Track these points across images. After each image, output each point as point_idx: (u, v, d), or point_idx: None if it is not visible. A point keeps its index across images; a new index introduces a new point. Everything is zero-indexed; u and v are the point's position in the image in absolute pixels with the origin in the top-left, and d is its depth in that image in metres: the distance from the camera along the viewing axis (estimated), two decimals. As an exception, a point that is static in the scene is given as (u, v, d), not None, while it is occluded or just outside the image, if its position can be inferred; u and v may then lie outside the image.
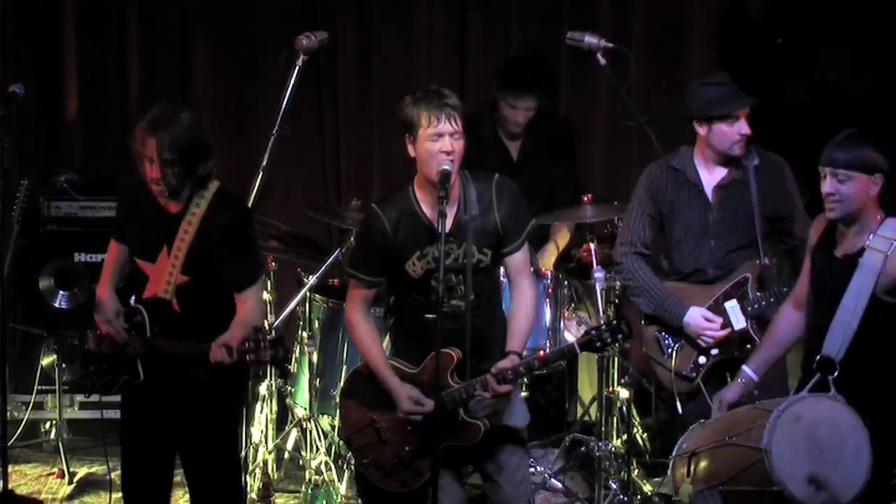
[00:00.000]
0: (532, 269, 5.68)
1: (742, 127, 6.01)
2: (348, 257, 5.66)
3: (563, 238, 7.42)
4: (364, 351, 5.57)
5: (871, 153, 5.28)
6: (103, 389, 5.64)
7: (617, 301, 6.73)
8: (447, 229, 5.36)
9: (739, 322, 6.02)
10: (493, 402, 5.45)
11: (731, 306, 6.04)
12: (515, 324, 5.48)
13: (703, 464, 5.30)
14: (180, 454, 5.66)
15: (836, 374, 5.26)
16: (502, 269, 5.66)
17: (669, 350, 6.10)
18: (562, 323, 6.98)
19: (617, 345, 5.82)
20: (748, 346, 5.98)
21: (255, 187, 6.54)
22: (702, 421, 5.49)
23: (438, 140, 5.29)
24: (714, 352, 6.05)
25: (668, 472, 5.46)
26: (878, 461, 5.17)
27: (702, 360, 6.05)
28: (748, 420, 5.28)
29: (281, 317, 6.96)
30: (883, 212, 5.33)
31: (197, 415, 5.57)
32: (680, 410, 6.07)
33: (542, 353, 5.53)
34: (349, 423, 5.63)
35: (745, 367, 5.57)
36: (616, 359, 6.94)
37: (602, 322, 5.41)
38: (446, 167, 5.28)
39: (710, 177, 6.14)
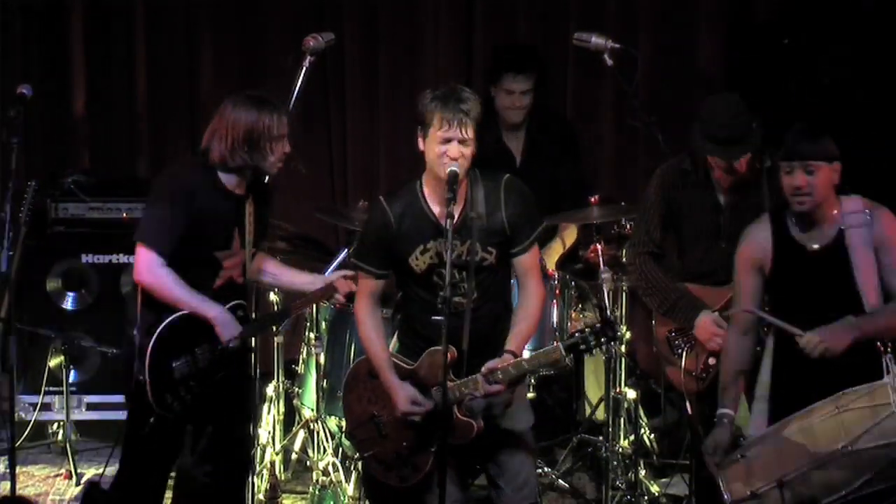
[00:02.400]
0: (540, 269, 5.67)
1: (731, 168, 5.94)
2: (354, 249, 5.73)
3: (569, 235, 7.39)
4: (367, 346, 5.59)
5: (830, 142, 5.35)
6: (196, 400, 5.59)
7: (603, 306, 6.69)
8: (452, 226, 5.36)
9: None
10: (488, 402, 5.45)
11: None
12: (517, 324, 5.48)
13: (802, 488, 5.15)
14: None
15: (889, 348, 5.23)
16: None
17: (680, 350, 6.05)
18: (569, 324, 6.96)
19: (603, 347, 5.80)
20: (758, 347, 5.95)
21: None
22: (741, 456, 5.29)
23: (446, 145, 5.34)
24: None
25: None
26: None
27: (712, 360, 5.99)
28: (850, 426, 5.12)
29: (288, 318, 6.85)
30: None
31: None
32: (689, 411, 6.03)
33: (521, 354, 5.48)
34: (351, 417, 5.70)
35: (723, 410, 5.49)
36: (623, 359, 6.92)
37: (586, 326, 5.41)
38: (454, 168, 5.32)
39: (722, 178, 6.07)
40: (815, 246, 5.39)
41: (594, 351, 5.59)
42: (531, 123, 7.42)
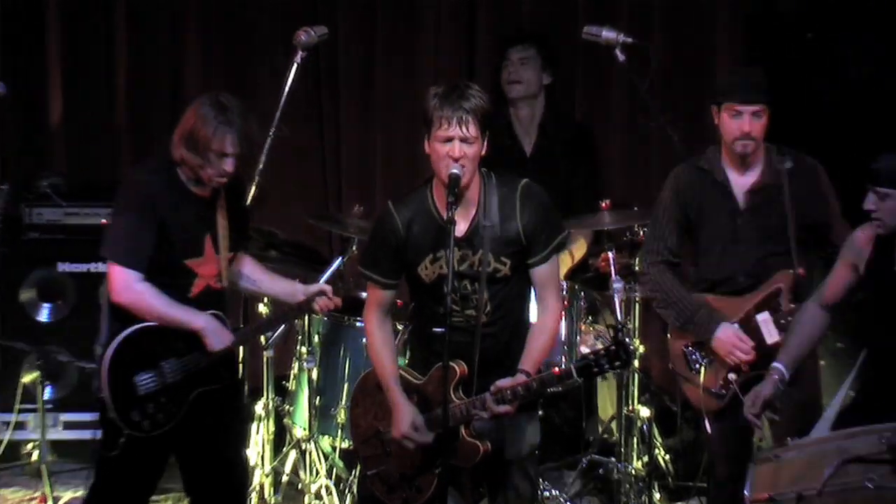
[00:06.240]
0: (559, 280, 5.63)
1: (744, 124, 5.87)
2: (361, 256, 5.69)
3: (579, 248, 7.31)
4: (374, 360, 5.55)
5: None
6: (170, 418, 5.49)
7: (618, 326, 6.65)
8: (463, 234, 5.36)
9: (772, 336, 5.88)
10: (497, 423, 5.38)
11: (764, 319, 5.91)
12: (532, 342, 5.42)
13: None
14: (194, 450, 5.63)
15: None
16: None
17: (697, 366, 5.98)
18: (578, 337, 6.89)
19: (616, 371, 5.77)
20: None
21: (251, 193, 6.38)
22: (775, 456, 5.19)
23: (447, 144, 5.25)
24: (745, 367, 5.92)
25: None
26: None
27: (731, 376, 5.91)
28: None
29: (278, 331, 6.80)
30: None
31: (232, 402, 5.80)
32: (709, 429, 5.94)
33: (536, 374, 5.37)
34: (357, 432, 5.68)
35: (776, 364, 5.49)
36: (636, 375, 6.83)
37: (600, 347, 5.40)
38: (455, 171, 5.23)
39: (741, 179, 6.02)
40: None
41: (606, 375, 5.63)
42: (545, 121, 7.43)
